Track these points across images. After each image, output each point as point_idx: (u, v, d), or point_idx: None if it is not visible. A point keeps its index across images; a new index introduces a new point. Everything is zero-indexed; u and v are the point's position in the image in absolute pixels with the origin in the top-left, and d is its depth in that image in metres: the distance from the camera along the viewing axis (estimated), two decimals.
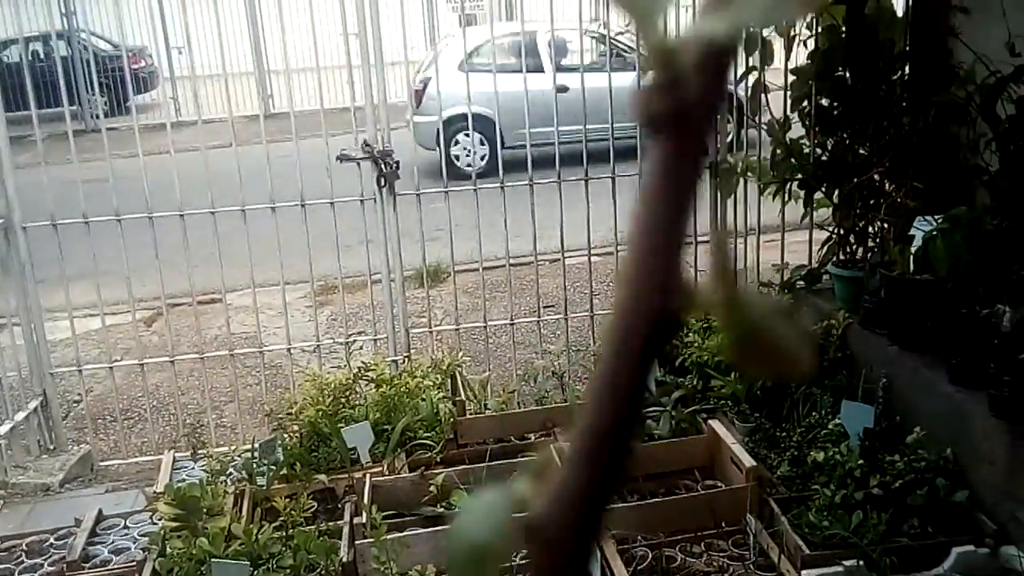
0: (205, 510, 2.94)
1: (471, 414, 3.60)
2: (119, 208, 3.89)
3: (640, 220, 0.38)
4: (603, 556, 2.72)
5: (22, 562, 3.06)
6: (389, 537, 2.76)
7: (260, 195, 3.92)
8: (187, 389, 4.57)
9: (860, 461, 2.86)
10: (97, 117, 4.49)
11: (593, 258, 4.41)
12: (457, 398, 3.62)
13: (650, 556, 2.81)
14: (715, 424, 3.26)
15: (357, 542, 2.82)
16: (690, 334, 3.67)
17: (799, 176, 3.77)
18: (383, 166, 3.93)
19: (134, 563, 2.89)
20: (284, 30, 3.87)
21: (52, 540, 3.17)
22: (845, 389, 3.34)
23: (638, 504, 2.98)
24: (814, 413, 3.25)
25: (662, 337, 0.37)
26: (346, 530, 2.92)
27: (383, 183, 3.94)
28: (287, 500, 2.99)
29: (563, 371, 3.88)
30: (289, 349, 4.12)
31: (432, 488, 3.12)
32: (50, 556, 3.08)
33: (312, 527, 2.93)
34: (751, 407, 3.40)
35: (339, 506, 3.19)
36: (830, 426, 3.10)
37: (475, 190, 4.22)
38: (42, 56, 11.32)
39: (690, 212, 0.38)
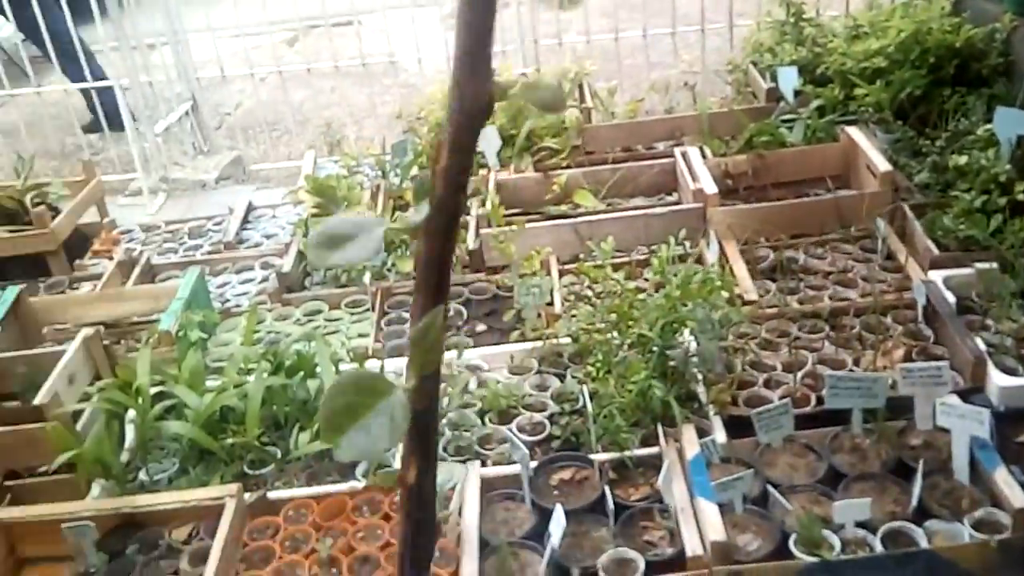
0: (343, 200, 3.12)
1: (598, 122, 3.57)
2: None
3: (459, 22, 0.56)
4: (723, 253, 2.73)
5: (185, 242, 3.38)
6: (509, 227, 2.86)
7: None
8: (328, 105, 4.72)
9: (1007, 167, 2.69)
10: None
11: None
12: (584, 106, 3.58)
13: (771, 256, 2.80)
14: (853, 132, 3.11)
15: (481, 230, 2.95)
16: (833, 39, 3.43)
17: None
18: None
19: (283, 245, 3.14)
20: None
21: (210, 225, 3.48)
22: (1003, 98, 3.09)
23: (761, 206, 2.94)
24: (964, 120, 3.04)
25: (480, 114, 0.57)
26: (472, 222, 3.04)
27: None
28: None
29: (696, 82, 3.75)
30: (419, 60, 4.14)
31: (555, 187, 3.17)
32: (209, 238, 3.39)
33: None
34: (896, 116, 3.21)
35: (467, 203, 3.30)
36: (979, 132, 2.90)
37: None
38: None
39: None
